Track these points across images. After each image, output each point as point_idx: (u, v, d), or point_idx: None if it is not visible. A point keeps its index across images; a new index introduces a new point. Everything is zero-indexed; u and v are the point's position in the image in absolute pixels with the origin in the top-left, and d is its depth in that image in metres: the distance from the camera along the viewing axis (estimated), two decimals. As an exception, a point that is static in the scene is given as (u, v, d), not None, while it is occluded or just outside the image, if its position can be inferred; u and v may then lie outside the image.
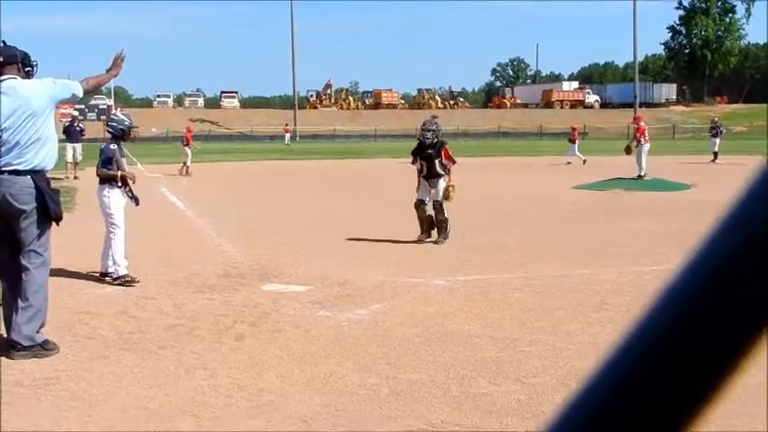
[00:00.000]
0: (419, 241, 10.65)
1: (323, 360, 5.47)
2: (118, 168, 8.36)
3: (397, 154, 39.81)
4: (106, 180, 8.38)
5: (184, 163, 25.69)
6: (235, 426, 4.28)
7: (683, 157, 34.57)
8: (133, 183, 8.47)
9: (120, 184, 8.36)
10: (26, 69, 5.86)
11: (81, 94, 6.02)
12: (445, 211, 10.68)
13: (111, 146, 8.44)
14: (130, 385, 4.96)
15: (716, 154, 31.99)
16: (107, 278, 8.21)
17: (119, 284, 8.01)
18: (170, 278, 8.43)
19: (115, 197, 8.35)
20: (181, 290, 7.89)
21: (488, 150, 45.75)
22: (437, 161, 10.67)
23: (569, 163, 30.61)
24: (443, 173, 10.73)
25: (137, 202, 8.53)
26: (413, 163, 11.00)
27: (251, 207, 16.26)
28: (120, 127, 8.58)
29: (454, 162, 10.92)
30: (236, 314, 6.84)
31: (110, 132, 8.65)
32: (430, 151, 10.68)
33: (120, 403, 4.63)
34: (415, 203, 10.85)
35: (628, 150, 23.44)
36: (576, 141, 32.07)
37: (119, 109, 30.39)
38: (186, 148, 26.18)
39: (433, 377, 5.04)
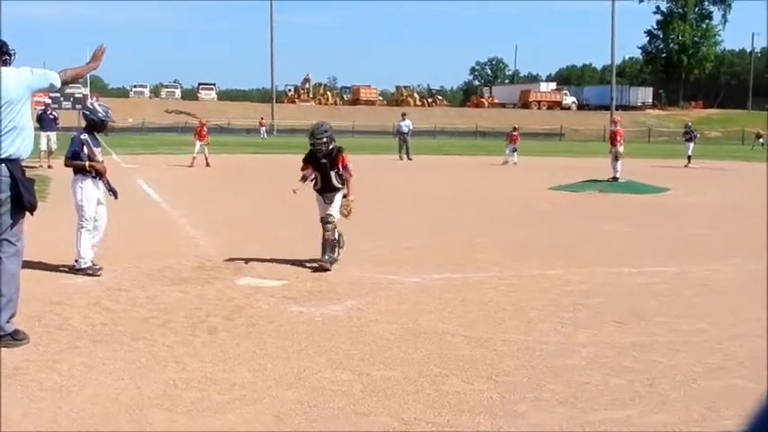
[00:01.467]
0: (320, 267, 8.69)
1: (296, 355, 5.46)
2: (88, 158, 8.26)
3: (375, 150, 39.87)
4: (78, 170, 8.29)
5: (205, 156, 26.12)
6: (207, 419, 4.27)
7: (657, 161, 34.91)
8: (104, 173, 8.37)
9: (93, 175, 8.27)
10: (3, 58, 5.79)
11: (58, 84, 5.96)
12: (336, 232, 8.92)
13: (82, 135, 8.29)
14: (101, 377, 4.92)
15: (689, 158, 32.38)
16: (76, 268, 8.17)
17: (83, 275, 8.00)
18: (144, 270, 8.38)
19: (87, 189, 8.24)
20: (154, 282, 7.85)
21: (466, 149, 45.89)
22: (333, 172, 8.88)
23: (509, 164, 30.80)
24: (341, 185, 8.96)
25: (115, 195, 8.46)
26: (302, 170, 9.05)
27: (226, 200, 16.18)
28: (92, 117, 8.38)
29: (350, 174, 8.99)
30: (210, 308, 6.81)
31: (85, 120, 8.56)
32: (324, 161, 8.87)
33: (90, 395, 4.59)
34: (321, 220, 9.01)
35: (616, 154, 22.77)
36: (513, 144, 31.78)
37: (94, 98, 30.14)
38: (199, 142, 26.43)
39: (407, 374, 5.06)
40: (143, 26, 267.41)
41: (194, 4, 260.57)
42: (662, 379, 5.02)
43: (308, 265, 8.78)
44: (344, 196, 8.96)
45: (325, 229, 8.84)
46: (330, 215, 8.86)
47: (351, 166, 9.00)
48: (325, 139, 8.84)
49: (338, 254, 8.97)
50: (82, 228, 8.19)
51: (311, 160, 9.00)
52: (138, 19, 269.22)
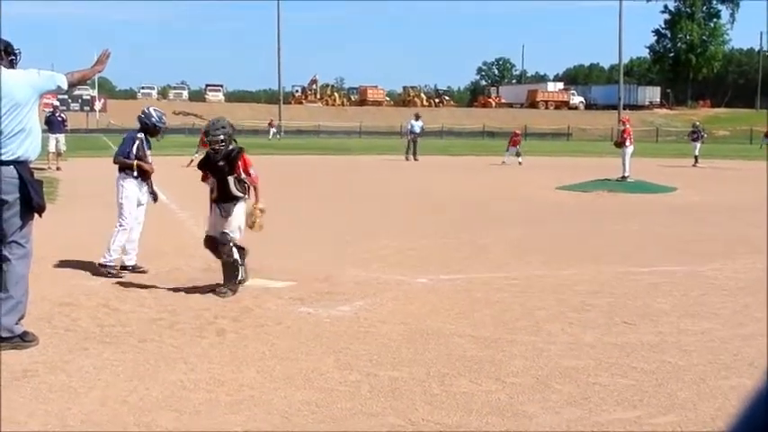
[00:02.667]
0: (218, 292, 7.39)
1: (304, 356, 5.47)
2: (138, 158, 8.38)
3: (382, 151, 39.87)
4: (123, 169, 8.42)
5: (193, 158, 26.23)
6: (215, 420, 4.28)
7: (665, 160, 34.80)
8: (150, 174, 8.54)
9: (135, 175, 8.37)
10: (9, 59, 5.81)
11: (65, 86, 5.98)
12: (234, 252, 7.43)
13: (138, 134, 8.52)
14: (110, 378, 4.94)
15: (696, 158, 32.29)
16: (101, 266, 8.24)
17: (103, 273, 8.07)
18: (152, 271, 8.41)
19: (128, 188, 8.39)
20: (163, 283, 7.86)
21: (473, 149, 45.86)
22: (232, 178, 7.45)
23: (514, 164, 30.86)
24: (242, 194, 7.53)
25: (155, 198, 8.73)
26: (204, 180, 7.80)
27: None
28: (146, 121, 8.62)
29: (254, 181, 7.61)
30: (218, 309, 6.82)
31: (138, 123, 8.72)
32: (221, 164, 7.49)
33: (99, 396, 4.61)
34: (204, 241, 7.65)
35: (617, 144, 24.19)
36: (513, 148, 32.07)
37: (99, 102, 30.19)
38: (203, 149, 26.70)
39: (414, 375, 5.06)
40: (150, 28, 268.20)
41: (201, 5, 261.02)
42: (671, 379, 5.01)
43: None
44: (254, 205, 7.63)
45: (212, 251, 7.60)
46: (225, 233, 7.41)
47: (255, 172, 7.62)
48: (221, 137, 7.47)
49: (242, 276, 7.51)
50: (120, 226, 8.34)
51: (207, 165, 7.70)
52: (145, 20, 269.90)
